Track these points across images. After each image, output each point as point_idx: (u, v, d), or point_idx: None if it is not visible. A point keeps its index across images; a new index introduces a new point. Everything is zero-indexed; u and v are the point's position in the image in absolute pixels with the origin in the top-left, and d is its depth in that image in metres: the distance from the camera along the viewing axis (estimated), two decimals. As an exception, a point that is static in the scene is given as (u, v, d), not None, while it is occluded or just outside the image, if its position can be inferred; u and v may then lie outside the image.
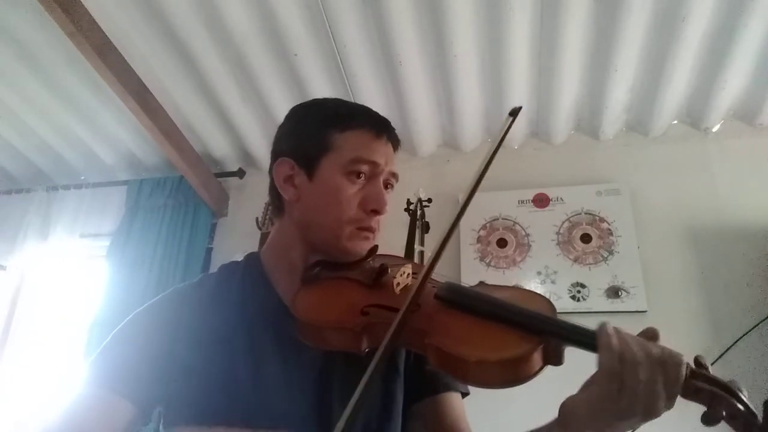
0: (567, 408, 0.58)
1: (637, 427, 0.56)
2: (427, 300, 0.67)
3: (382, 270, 0.73)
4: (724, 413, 0.53)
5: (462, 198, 0.67)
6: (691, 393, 0.55)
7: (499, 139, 0.68)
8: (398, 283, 0.72)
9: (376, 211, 0.75)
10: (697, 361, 0.58)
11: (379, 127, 0.78)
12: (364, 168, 0.75)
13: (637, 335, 0.58)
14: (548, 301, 0.66)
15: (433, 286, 0.70)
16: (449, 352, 0.59)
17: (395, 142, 0.81)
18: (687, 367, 0.56)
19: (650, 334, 0.59)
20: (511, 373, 0.58)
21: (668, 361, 0.54)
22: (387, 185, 0.79)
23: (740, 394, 0.54)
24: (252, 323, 0.73)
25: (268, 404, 0.67)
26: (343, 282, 0.75)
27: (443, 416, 0.78)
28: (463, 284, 0.71)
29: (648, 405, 0.53)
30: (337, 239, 0.75)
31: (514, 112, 0.69)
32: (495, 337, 0.61)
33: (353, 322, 0.66)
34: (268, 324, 0.73)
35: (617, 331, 0.57)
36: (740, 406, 0.53)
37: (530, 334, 0.59)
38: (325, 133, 0.76)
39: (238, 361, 0.69)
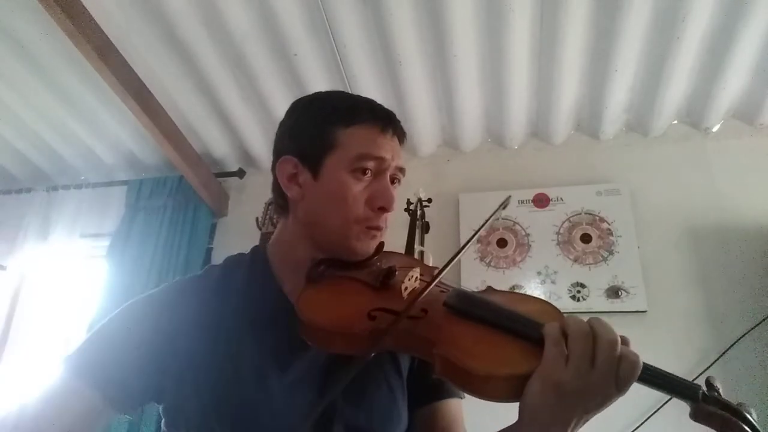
0: (523, 396, 0.57)
1: (591, 414, 0.56)
2: (436, 307, 0.65)
3: (390, 272, 0.71)
4: None
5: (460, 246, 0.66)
6: (703, 417, 0.55)
7: (485, 222, 0.67)
8: (406, 287, 0.70)
9: (384, 209, 0.73)
10: (709, 383, 0.57)
11: (384, 121, 0.76)
12: (370, 164, 0.73)
13: None
14: (558, 312, 0.64)
15: (443, 291, 0.68)
16: (457, 364, 0.57)
17: (401, 136, 0.78)
18: (699, 390, 0.56)
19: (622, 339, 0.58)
20: (519, 389, 0.56)
21: (624, 351, 0.54)
22: (394, 180, 0.77)
23: (751, 419, 0.54)
24: (256, 318, 0.72)
25: (271, 405, 0.66)
26: (349, 283, 0.73)
27: (438, 421, 0.78)
28: (471, 291, 0.69)
29: (596, 385, 0.53)
30: (344, 239, 0.73)
31: (505, 204, 0.68)
32: (505, 350, 0.59)
33: (360, 327, 0.64)
34: (273, 322, 0.72)
35: (574, 316, 0.58)
36: None
37: (541, 348, 0.56)
38: (328, 130, 0.74)
39: (240, 361, 0.68)
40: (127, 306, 0.75)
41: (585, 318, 0.57)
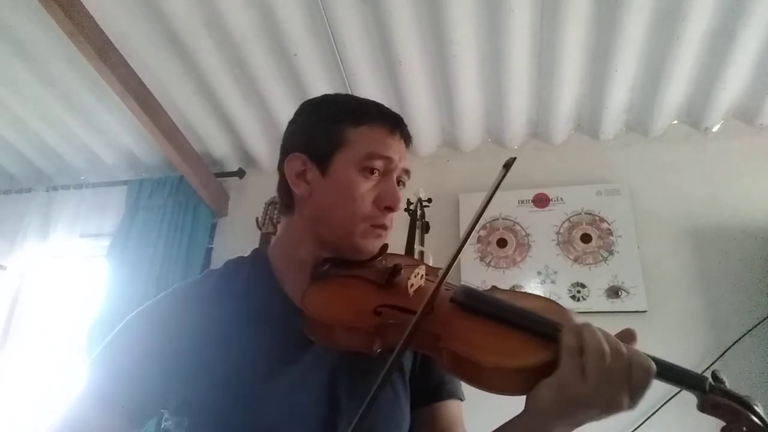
0: (531, 395, 0.57)
1: (599, 419, 0.56)
2: (442, 303, 0.66)
3: (396, 270, 0.72)
4: (744, 429, 0.54)
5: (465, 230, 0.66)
6: (710, 408, 0.56)
7: (493, 189, 0.66)
8: (412, 285, 0.70)
9: (390, 208, 0.74)
10: (715, 375, 0.58)
11: (392, 122, 0.77)
12: (378, 164, 0.74)
13: (615, 335, 0.58)
14: (563, 309, 0.64)
15: (447, 289, 0.69)
16: (465, 357, 0.58)
17: (407, 139, 0.80)
18: (707, 381, 0.57)
19: (626, 335, 0.59)
20: (526, 381, 0.57)
21: (636, 362, 0.54)
22: (399, 182, 0.78)
23: (758, 410, 0.54)
24: (258, 320, 0.73)
25: (276, 404, 0.67)
26: (355, 280, 0.73)
27: (438, 422, 0.78)
28: (478, 288, 0.70)
29: (610, 397, 0.53)
30: (350, 236, 0.74)
31: (508, 164, 0.67)
32: (512, 344, 0.59)
33: (366, 323, 0.64)
34: (275, 322, 0.73)
35: (589, 326, 0.57)
36: (759, 422, 0.53)
37: (547, 342, 0.58)
38: (338, 128, 0.75)
39: (244, 361, 0.69)
40: (129, 321, 0.75)
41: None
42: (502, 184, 0.65)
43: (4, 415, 2.54)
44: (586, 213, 2.16)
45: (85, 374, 0.71)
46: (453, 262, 0.64)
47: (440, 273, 0.65)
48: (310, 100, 0.84)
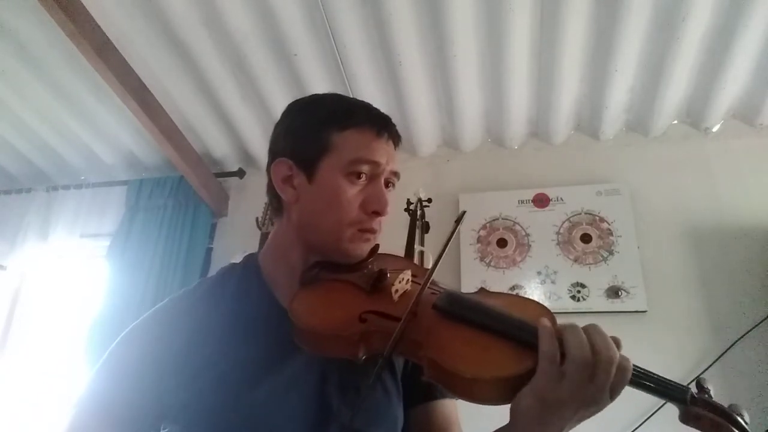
0: (514, 404, 0.57)
1: (583, 419, 0.56)
2: (425, 309, 0.65)
3: (381, 275, 0.71)
4: None
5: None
6: (692, 419, 0.55)
7: (447, 241, 0.68)
8: (397, 290, 0.70)
9: (378, 213, 0.74)
10: (699, 384, 0.57)
11: (379, 125, 0.76)
12: (365, 168, 0.73)
13: None
14: (549, 315, 0.62)
15: (433, 293, 0.68)
16: (444, 367, 0.57)
17: (396, 140, 0.79)
18: (688, 392, 0.56)
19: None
20: (507, 391, 0.56)
21: (617, 362, 0.54)
22: (388, 184, 0.77)
23: (741, 421, 0.53)
24: (249, 324, 0.73)
25: (268, 405, 0.67)
26: (341, 285, 0.73)
27: (433, 421, 0.78)
28: (463, 293, 0.69)
29: (591, 397, 0.53)
30: (337, 242, 0.73)
31: (459, 219, 0.70)
32: (493, 353, 0.58)
33: (351, 330, 0.64)
34: (266, 325, 0.73)
35: (573, 329, 0.55)
36: None
37: (530, 350, 0.56)
38: (323, 133, 0.74)
39: (237, 363, 0.68)
40: (124, 336, 0.74)
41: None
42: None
43: (4, 415, 2.54)
44: (586, 213, 2.16)
45: (84, 389, 0.71)
46: (432, 272, 0.64)
47: (423, 282, 0.65)
48: (297, 100, 0.83)
